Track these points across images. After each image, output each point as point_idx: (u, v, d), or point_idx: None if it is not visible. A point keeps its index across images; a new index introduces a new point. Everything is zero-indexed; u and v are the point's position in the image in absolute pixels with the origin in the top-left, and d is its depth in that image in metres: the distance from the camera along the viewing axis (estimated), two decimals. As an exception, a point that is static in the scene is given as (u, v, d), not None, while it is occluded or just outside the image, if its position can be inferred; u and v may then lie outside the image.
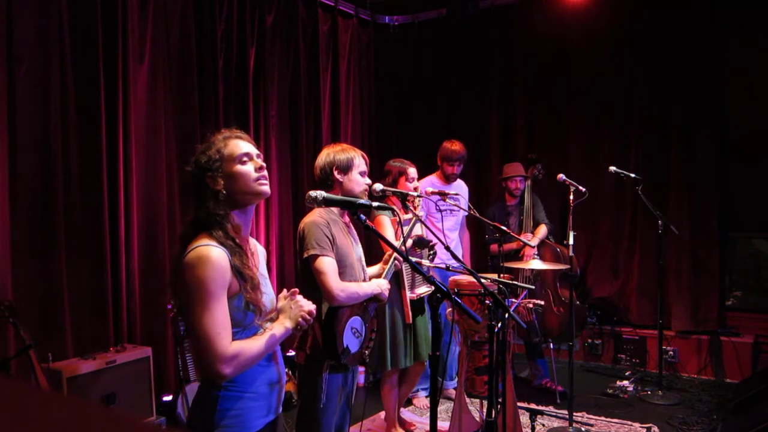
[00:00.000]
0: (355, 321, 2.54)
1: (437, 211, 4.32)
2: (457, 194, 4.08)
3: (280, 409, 1.87)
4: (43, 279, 3.65)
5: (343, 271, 2.56)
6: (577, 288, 5.07)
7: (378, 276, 2.78)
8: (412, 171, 3.78)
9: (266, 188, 1.77)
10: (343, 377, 2.56)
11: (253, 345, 1.68)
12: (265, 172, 1.78)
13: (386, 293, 2.69)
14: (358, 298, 2.54)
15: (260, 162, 1.78)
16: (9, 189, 3.48)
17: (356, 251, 2.69)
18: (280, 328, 1.77)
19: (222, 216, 1.71)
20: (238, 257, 1.68)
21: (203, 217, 1.71)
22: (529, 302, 4.30)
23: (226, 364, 1.61)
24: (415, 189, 3.75)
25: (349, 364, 2.54)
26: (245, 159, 1.75)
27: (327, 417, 2.49)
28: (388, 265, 2.77)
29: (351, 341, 2.49)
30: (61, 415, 0.46)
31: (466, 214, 4.72)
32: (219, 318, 1.61)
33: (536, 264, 3.78)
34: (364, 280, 2.69)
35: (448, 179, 4.67)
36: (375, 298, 2.66)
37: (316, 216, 2.58)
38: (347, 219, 2.70)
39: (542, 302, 4.39)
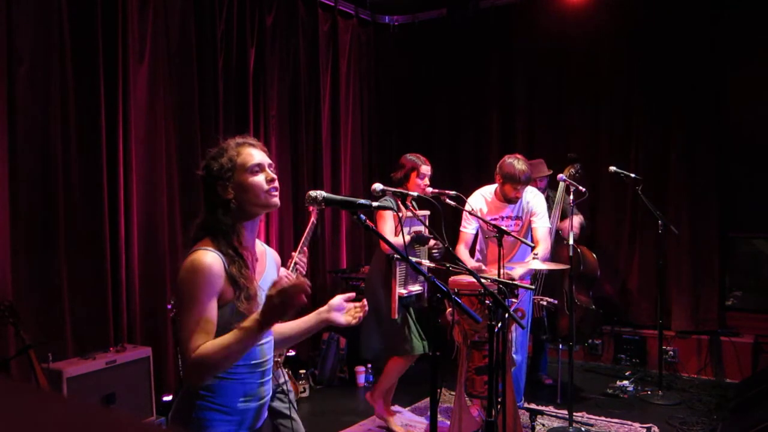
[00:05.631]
0: None
1: (491, 228, 3.57)
2: (458, 194, 3.97)
3: (259, 424, 1.81)
4: (43, 279, 3.65)
5: None
6: (590, 290, 4.99)
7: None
8: (425, 168, 3.74)
9: (276, 200, 1.76)
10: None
11: (215, 345, 1.57)
12: (276, 184, 1.76)
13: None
14: None
15: (272, 174, 1.76)
16: (9, 189, 3.49)
17: None
18: (251, 322, 1.57)
19: (228, 225, 1.70)
20: (236, 266, 1.67)
21: (210, 224, 1.72)
22: (542, 299, 4.28)
23: (189, 370, 1.59)
24: (426, 186, 3.72)
25: None
26: (257, 169, 1.74)
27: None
28: (290, 266, 2.73)
29: None
30: (61, 415, 0.46)
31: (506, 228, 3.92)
32: (196, 323, 1.59)
33: (536, 264, 3.77)
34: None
35: (509, 201, 3.96)
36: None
37: None
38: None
39: (556, 301, 4.34)
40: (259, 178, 1.73)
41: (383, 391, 3.98)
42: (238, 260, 1.69)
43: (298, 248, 2.77)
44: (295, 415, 2.61)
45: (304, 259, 2.76)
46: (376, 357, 3.89)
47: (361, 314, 1.91)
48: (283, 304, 1.53)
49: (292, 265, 2.72)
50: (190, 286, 1.61)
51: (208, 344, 1.58)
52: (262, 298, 1.68)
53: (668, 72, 5.27)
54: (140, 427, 0.48)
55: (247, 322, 1.58)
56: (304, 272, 2.73)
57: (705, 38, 5.11)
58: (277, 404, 2.65)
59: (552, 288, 4.65)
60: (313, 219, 2.92)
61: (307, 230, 2.88)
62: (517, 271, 3.75)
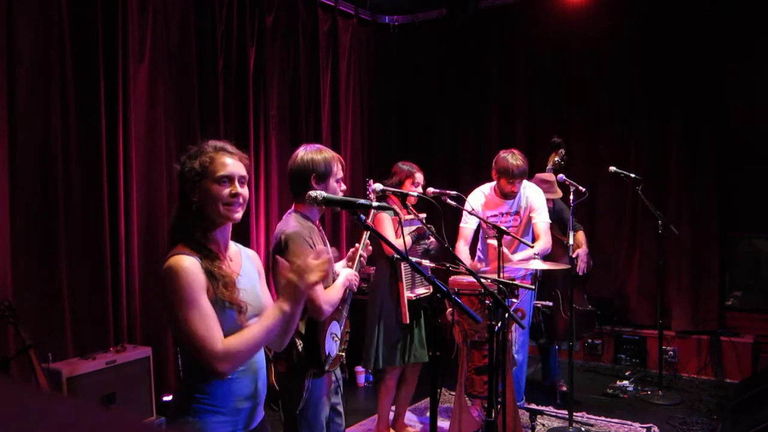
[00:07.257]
0: (334, 326, 2.55)
1: (490, 228, 3.61)
2: (458, 194, 3.94)
3: (254, 425, 1.83)
4: (43, 279, 3.65)
5: None
6: (583, 289, 4.99)
7: None
8: (419, 176, 3.77)
9: (235, 215, 1.75)
10: (327, 379, 2.58)
11: (246, 336, 1.67)
12: (241, 200, 1.75)
13: (355, 282, 2.64)
14: (337, 302, 2.49)
15: (239, 188, 1.74)
16: (9, 189, 3.49)
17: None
18: (275, 311, 1.68)
19: (193, 225, 1.74)
20: (208, 260, 1.71)
21: (177, 226, 1.77)
22: (537, 303, 4.27)
23: (221, 362, 1.64)
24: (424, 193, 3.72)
25: (331, 369, 2.55)
26: (224, 180, 1.73)
27: (318, 421, 2.49)
28: (355, 264, 2.74)
29: (331, 347, 2.51)
30: (61, 415, 0.46)
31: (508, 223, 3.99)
32: (203, 320, 1.64)
33: (537, 264, 3.76)
34: None
35: (506, 197, 3.98)
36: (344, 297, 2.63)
37: (295, 224, 2.51)
38: (318, 223, 2.67)
39: (551, 303, 4.33)
40: (224, 191, 1.73)
41: (386, 421, 3.90)
42: (209, 254, 1.73)
43: (361, 245, 2.82)
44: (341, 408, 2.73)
45: (365, 255, 2.81)
46: (376, 368, 3.83)
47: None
48: (290, 283, 1.66)
49: (357, 257, 2.76)
50: (180, 289, 1.64)
51: (236, 336, 1.67)
52: (242, 283, 1.77)
53: (668, 72, 5.27)
54: (140, 427, 0.48)
55: (270, 309, 1.71)
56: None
57: (705, 38, 5.11)
58: (335, 399, 2.68)
59: (543, 290, 4.60)
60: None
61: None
62: (518, 255, 3.73)
